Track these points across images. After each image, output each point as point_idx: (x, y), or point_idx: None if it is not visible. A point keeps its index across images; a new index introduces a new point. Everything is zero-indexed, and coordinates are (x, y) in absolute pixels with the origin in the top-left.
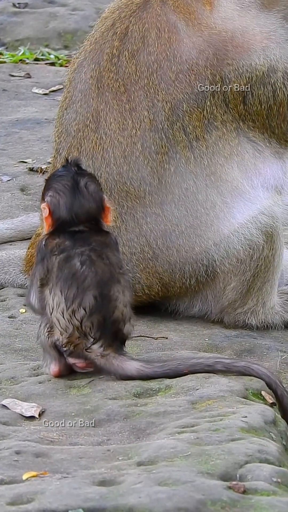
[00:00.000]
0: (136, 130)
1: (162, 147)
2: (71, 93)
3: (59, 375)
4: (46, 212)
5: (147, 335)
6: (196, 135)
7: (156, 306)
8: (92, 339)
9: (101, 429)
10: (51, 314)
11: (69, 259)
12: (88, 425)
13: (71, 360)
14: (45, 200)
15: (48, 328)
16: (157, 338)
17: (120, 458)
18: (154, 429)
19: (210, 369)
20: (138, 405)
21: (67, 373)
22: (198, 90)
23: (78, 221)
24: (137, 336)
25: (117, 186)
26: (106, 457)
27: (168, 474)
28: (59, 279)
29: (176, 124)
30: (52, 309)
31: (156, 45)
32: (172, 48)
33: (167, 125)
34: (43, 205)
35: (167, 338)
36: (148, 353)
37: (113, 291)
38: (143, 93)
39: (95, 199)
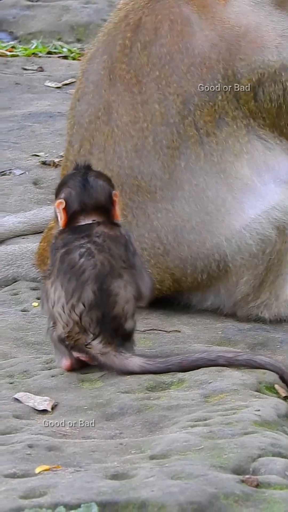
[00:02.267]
0: (147, 123)
1: (173, 142)
2: (83, 84)
3: (71, 369)
4: (61, 207)
5: (159, 329)
6: (207, 131)
7: (168, 300)
8: (91, 335)
9: (113, 422)
10: (53, 308)
11: (70, 251)
12: (100, 418)
13: (74, 354)
14: (60, 196)
15: (52, 323)
16: (169, 331)
17: (132, 452)
18: (166, 423)
19: (212, 364)
20: (151, 398)
21: (79, 366)
22: (210, 84)
23: (88, 212)
24: (150, 330)
25: (129, 180)
26: (118, 450)
27: (181, 467)
28: (60, 272)
29: (188, 119)
30: (54, 303)
31: (168, 37)
32: (184, 40)
33: (178, 119)
34: (58, 201)
35: (179, 331)
36: (160, 346)
37: (113, 286)
38: (155, 85)
39: (104, 191)
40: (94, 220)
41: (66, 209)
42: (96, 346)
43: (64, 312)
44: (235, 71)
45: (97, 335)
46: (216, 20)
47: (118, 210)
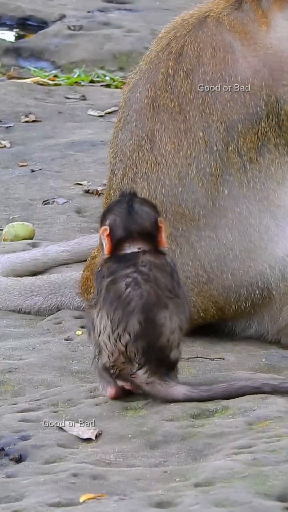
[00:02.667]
0: (191, 151)
1: (217, 169)
2: (126, 113)
3: (116, 398)
4: (105, 234)
5: (203, 356)
6: (250, 158)
7: (212, 327)
8: (137, 365)
9: (158, 450)
10: (98, 337)
11: (116, 281)
12: (145, 447)
13: (119, 383)
14: (105, 223)
15: (97, 351)
16: (213, 359)
17: (177, 480)
18: (211, 450)
19: (257, 391)
20: (195, 426)
21: (124, 395)
22: (253, 111)
23: (133, 239)
24: (194, 357)
25: (172, 208)
26: (163, 478)
27: (225, 495)
28: (105, 301)
29: (231, 146)
30: (100, 332)
31: (211, 65)
32: (227, 68)
33: (222, 146)
34: (102, 228)
35: (223, 359)
36: (204, 374)
37: (159, 317)
38: (198, 113)
39: (149, 217)
40: (139, 248)
41: (110, 235)
42: (141, 376)
43: (109, 341)
44: (278, 97)
45: (142, 365)
46: (258, 46)
47: (164, 237)
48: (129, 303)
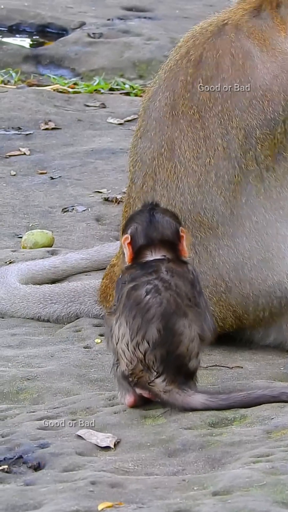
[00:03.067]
0: (210, 158)
1: (235, 177)
2: (145, 122)
3: (135, 406)
4: (126, 242)
5: (222, 365)
6: (267, 165)
7: (230, 336)
8: (155, 373)
9: (176, 459)
10: (116, 345)
11: (136, 287)
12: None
13: (137, 391)
14: (126, 232)
15: (115, 359)
16: (232, 367)
17: (195, 488)
18: (229, 459)
19: (275, 400)
20: (213, 434)
21: (142, 403)
22: (271, 117)
23: (155, 247)
24: (212, 366)
25: (191, 216)
26: (181, 487)
27: (244, 503)
28: (125, 308)
29: (249, 153)
30: (118, 340)
31: (230, 72)
32: (246, 74)
33: (240, 154)
34: (124, 237)
35: (242, 367)
36: (223, 382)
37: (178, 325)
38: (217, 120)
39: (170, 226)
40: (163, 256)
41: (132, 244)
42: (160, 384)
43: (128, 349)
44: None
45: (160, 374)
46: (277, 52)
47: (185, 246)
48: (148, 311)
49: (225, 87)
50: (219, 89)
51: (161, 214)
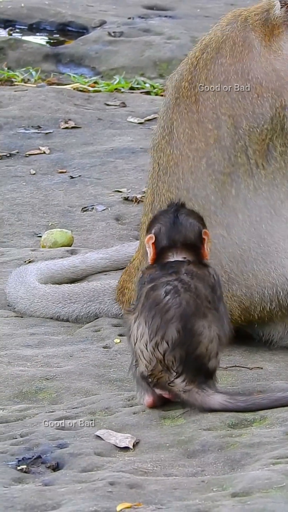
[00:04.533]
0: (202, 143)
1: (226, 167)
2: (161, 107)
3: (154, 406)
4: (150, 242)
5: (242, 365)
6: (256, 161)
7: (250, 336)
8: (174, 373)
9: (195, 460)
10: (134, 345)
11: (156, 288)
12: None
13: (157, 391)
14: (151, 231)
15: (134, 359)
16: (252, 368)
17: (214, 489)
18: (248, 460)
19: None
20: (233, 436)
21: (161, 404)
22: (259, 111)
23: (177, 249)
24: (232, 366)
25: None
26: (200, 488)
27: (263, 505)
28: (144, 308)
29: (238, 144)
30: (136, 340)
31: (228, 57)
32: (242, 63)
33: (230, 143)
34: (148, 236)
35: (262, 368)
36: (243, 383)
37: (197, 326)
38: (210, 104)
39: (194, 228)
40: (184, 258)
41: (155, 244)
42: (179, 384)
43: (147, 349)
44: (282, 103)
45: (180, 374)
46: (272, 50)
47: (207, 249)
48: (168, 311)
49: (221, 71)
50: (214, 73)
51: (185, 216)
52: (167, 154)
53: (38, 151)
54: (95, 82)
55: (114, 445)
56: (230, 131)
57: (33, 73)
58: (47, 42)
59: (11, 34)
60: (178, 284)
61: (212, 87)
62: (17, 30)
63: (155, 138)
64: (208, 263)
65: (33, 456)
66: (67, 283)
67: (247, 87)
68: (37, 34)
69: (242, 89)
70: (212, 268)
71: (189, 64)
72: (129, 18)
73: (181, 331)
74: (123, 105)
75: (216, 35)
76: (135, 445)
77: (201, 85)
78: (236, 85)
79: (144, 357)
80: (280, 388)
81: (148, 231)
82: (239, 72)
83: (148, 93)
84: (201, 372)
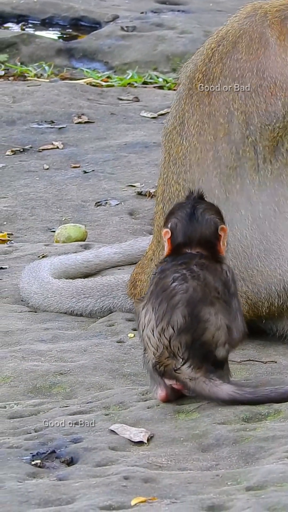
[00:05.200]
0: (211, 136)
1: (232, 161)
2: (174, 95)
3: (167, 400)
4: (167, 237)
5: (256, 359)
6: (264, 156)
7: (264, 331)
8: (181, 360)
9: (209, 454)
10: (142, 332)
11: (164, 276)
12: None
13: (166, 382)
14: (167, 226)
15: (143, 348)
16: (266, 362)
17: (228, 483)
18: (263, 454)
19: None
20: (247, 429)
21: (175, 397)
22: (271, 109)
23: (192, 245)
24: (246, 360)
25: None
26: (214, 482)
27: (277, 499)
28: (152, 295)
29: (248, 139)
30: (144, 326)
31: (244, 53)
32: (258, 60)
33: (239, 138)
34: (165, 230)
35: (276, 362)
36: (257, 377)
37: (203, 312)
38: (223, 98)
39: (209, 225)
40: (198, 252)
41: (171, 240)
42: (186, 371)
43: (153, 335)
44: None
45: (186, 360)
46: None
47: (223, 245)
48: (174, 296)
49: (236, 67)
50: (230, 68)
51: (202, 211)
52: (177, 145)
53: (51, 146)
54: (108, 77)
55: (128, 439)
56: (241, 126)
57: (46, 68)
58: (60, 37)
59: (24, 29)
60: (186, 273)
61: (226, 82)
62: (30, 25)
63: (167, 127)
64: (223, 259)
65: (48, 451)
66: (80, 277)
67: (261, 85)
68: (50, 29)
69: (256, 86)
70: (227, 264)
71: (204, 55)
72: (142, 12)
73: (186, 316)
74: (136, 99)
75: (233, 27)
76: (150, 439)
77: (215, 79)
78: (251, 83)
79: (151, 344)
80: (280, 384)
81: (165, 224)
82: (254, 70)
83: (161, 87)
84: (209, 360)
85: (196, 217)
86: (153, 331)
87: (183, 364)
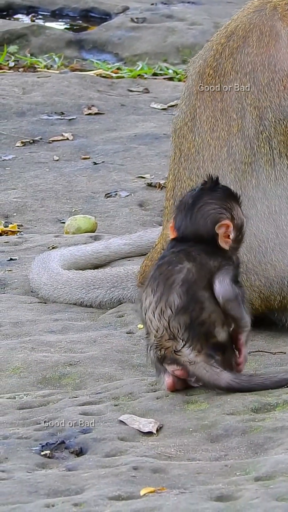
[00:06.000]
0: (225, 133)
1: (247, 157)
2: (182, 91)
3: (174, 388)
4: (170, 224)
5: (265, 350)
6: (279, 151)
7: (273, 322)
8: (181, 341)
9: (218, 444)
10: (145, 316)
11: (163, 261)
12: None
13: (168, 368)
14: (172, 215)
15: (146, 333)
16: (275, 353)
17: (237, 474)
18: (271, 444)
19: None
20: (256, 420)
21: (182, 387)
22: (285, 103)
23: (187, 241)
24: (255, 351)
25: None
26: (223, 472)
27: (286, 489)
28: (151, 279)
29: (263, 134)
30: (146, 310)
31: (254, 47)
32: (269, 54)
33: (253, 133)
34: (171, 224)
35: (285, 353)
36: (266, 368)
37: (201, 293)
38: (235, 93)
39: (205, 222)
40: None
41: (173, 228)
42: (186, 352)
43: (154, 317)
44: None
45: (186, 341)
46: None
47: (223, 239)
48: (170, 277)
49: (247, 62)
50: (241, 63)
51: (202, 205)
52: (189, 141)
53: (61, 137)
54: (118, 68)
55: (137, 430)
56: (255, 121)
57: (56, 59)
58: (69, 28)
59: (34, 21)
60: (183, 256)
61: (237, 77)
62: (40, 16)
63: (177, 122)
64: (226, 251)
65: (57, 442)
66: (90, 269)
67: (273, 79)
68: (60, 20)
69: (268, 80)
70: (229, 256)
71: (214, 50)
72: (152, 4)
73: (182, 296)
74: (146, 91)
75: (242, 22)
76: (159, 430)
77: (226, 74)
78: (263, 76)
79: (153, 326)
80: (281, 371)
81: (172, 216)
82: (265, 64)
83: (171, 79)
84: (208, 341)
85: (193, 213)
86: (154, 313)
87: (183, 346)
